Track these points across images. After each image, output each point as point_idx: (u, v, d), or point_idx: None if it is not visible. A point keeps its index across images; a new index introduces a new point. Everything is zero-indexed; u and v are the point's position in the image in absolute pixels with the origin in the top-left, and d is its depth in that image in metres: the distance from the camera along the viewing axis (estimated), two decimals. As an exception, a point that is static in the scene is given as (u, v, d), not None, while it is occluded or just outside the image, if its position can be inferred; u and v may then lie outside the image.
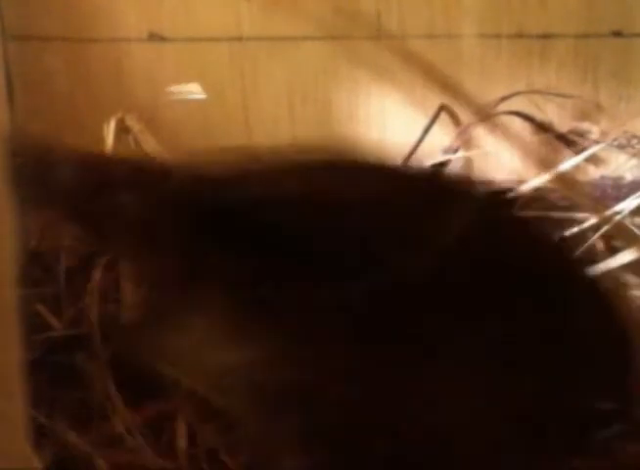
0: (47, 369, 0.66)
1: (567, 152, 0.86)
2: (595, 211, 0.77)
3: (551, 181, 0.80)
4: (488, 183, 0.86)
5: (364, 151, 0.56)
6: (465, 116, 0.85)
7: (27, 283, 0.70)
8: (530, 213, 0.80)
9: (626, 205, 0.79)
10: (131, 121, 0.76)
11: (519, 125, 0.85)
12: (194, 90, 0.86)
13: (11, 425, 0.32)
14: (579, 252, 0.76)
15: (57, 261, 0.75)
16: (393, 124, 0.87)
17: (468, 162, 0.87)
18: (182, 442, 0.64)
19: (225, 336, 0.50)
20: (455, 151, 0.86)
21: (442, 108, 0.85)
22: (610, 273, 0.73)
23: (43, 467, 0.57)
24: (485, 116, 0.81)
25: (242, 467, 0.63)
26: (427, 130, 0.86)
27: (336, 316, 0.49)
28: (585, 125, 0.86)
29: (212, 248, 0.51)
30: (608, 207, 0.79)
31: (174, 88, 0.86)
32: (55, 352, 0.69)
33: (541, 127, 0.85)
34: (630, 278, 0.74)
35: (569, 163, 0.83)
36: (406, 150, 0.86)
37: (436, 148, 0.86)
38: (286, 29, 0.85)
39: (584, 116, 0.86)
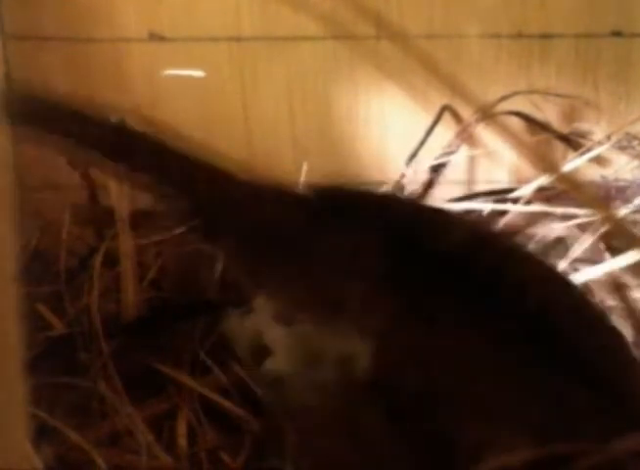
0: (48, 368, 0.66)
1: (566, 152, 0.86)
2: (596, 211, 0.77)
3: (554, 181, 0.80)
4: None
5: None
6: (467, 115, 0.85)
7: (28, 282, 0.69)
8: (531, 214, 0.80)
9: (627, 206, 0.80)
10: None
11: (519, 125, 0.85)
12: (192, 73, 0.85)
13: (11, 425, 0.32)
14: (579, 252, 0.76)
15: (57, 260, 0.75)
16: (394, 124, 0.87)
17: (468, 161, 0.87)
18: (182, 442, 0.64)
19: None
20: (454, 151, 0.86)
21: (445, 108, 0.85)
22: (610, 274, 0.73)
23: (43, 467, 0.57)
24: (485, 115, 0.81)
25: (242, 467, 0.63)
26: (429, 131, 0.86)
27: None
28: (586, 126, 0.86)
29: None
30: (609, 207, 0.79)
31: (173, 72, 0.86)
32: (55, 350, 0.69)
33: (541, 127, 0.85)
34: (630, 279, 0.74)
35: (572, 163, 0.83)
36: (407, 150, 0.86)
37: (438, 148, 0.86)
38: (286, 29, 0.85)
39: (584, 116, 0.86)
